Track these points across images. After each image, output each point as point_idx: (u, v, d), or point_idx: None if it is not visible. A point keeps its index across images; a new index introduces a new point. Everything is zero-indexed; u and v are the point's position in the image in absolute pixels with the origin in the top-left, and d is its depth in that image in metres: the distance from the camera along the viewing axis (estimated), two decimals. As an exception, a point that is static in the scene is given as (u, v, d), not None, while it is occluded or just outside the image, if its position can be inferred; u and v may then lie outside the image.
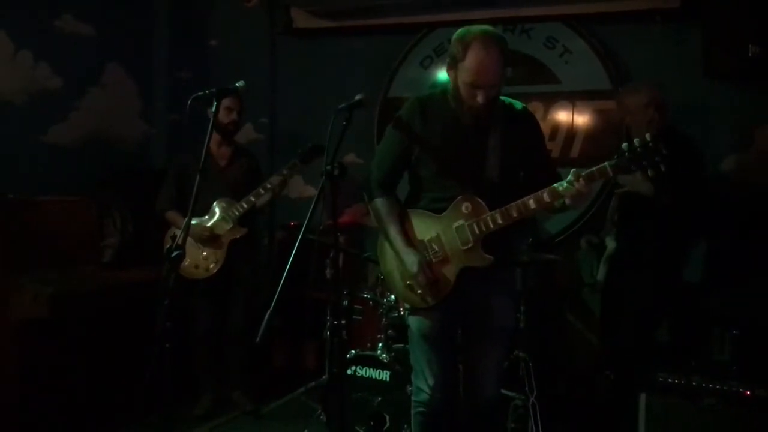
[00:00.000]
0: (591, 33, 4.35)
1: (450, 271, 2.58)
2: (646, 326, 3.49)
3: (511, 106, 2.65)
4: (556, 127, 4.46)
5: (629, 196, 3.50)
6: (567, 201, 2.39)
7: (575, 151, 4.41)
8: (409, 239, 2.63)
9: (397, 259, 2.66)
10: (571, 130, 4.42)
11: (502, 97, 2.60)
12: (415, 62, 4.82)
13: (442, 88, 2.68)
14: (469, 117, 2.53)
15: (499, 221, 2.48)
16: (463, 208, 2.54)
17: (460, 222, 2.54)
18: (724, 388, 2.89)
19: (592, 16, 4.31)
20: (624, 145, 2.32)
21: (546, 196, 2.41)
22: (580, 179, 2.34)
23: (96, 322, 3.75)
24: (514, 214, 2.46)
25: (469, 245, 2.53)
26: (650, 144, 2.27)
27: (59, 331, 3.61)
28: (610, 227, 3.47)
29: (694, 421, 2.89)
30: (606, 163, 2.34)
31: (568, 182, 2.37)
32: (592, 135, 4.35)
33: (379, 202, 2.70)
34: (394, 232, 2.64)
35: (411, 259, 2.57)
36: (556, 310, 4.46)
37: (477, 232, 2.51)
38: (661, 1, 4.06)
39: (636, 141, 2.29)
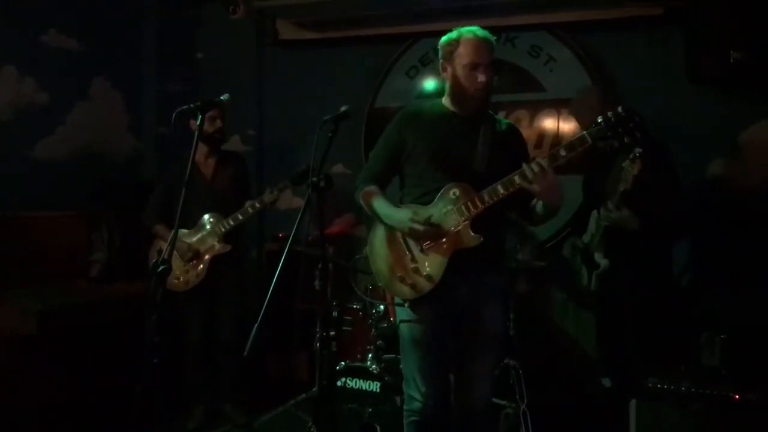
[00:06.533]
0: (575, 41, 4.38)
1: (442, 253, 2.59)
2: (644, 334, 3.49)
3: (498, 119, 2.76)
4: (542, 135, 4.47)
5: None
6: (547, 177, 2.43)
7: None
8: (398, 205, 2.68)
9: (386, 249, 2.69)
10: (556, 138, 4.43)
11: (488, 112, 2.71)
12: (401, 72, 4.83)
13: (430, 99, 2.75)
14: (472, 106, 2.62)
15: (486, 198, 2.52)
16: (451, 194, 2.59)
17: (449, 207, 2.58)
18: (714, 392, 2.90)
19: (575, 24, 4.35)
20: (599, 117, 2.40)
21: (534, 166, 2.44)
22: (561, 149, 2.44)
23: (84, 337, 3.74)
24: (501, 190, 2.50)
25: (459, 227, 2.56)
26: (623, 114, 2.39)
27: (47, 347, 3.59)
28: (598, 245, 3.47)
29: (685, 426, 2.90)
30: (585, 132, 2.43)
31: (549, 155, 2.45)
32: (578, 142, 4.37)
33: (365, 189, 2.75)
34: (380, 202, 2.69)
35: (402, 215, 2.61)
36: (546, 317, 4.46)
37: (465, 211, 2.55)
38: (644, 8, 4.10)
39: (609, 113, 2.39)
